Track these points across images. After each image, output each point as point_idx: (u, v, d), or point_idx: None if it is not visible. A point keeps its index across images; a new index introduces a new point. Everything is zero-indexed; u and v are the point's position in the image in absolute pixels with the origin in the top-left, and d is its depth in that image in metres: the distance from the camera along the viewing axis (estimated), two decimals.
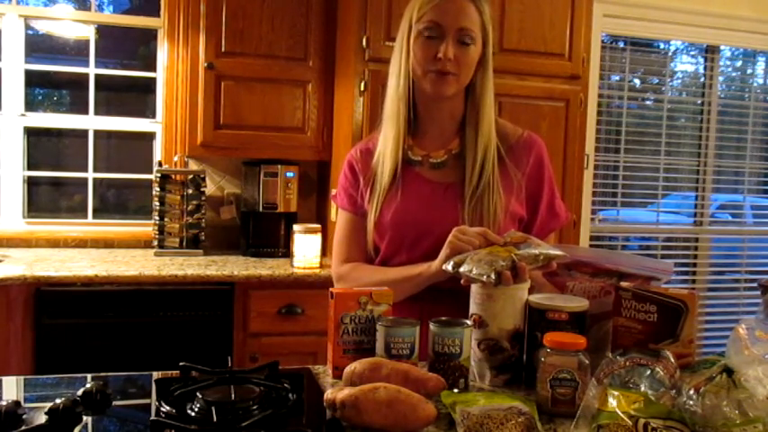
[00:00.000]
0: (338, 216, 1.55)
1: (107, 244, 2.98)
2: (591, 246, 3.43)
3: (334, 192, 1.68)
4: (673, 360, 1.01)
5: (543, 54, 2.74)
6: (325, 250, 2.73)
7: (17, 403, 0.91)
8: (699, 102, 3.81)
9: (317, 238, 2.66)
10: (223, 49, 2.76)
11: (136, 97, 3.21)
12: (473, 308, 1.18)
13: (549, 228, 1.45)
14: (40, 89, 3.16)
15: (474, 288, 1.18)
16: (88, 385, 1.03)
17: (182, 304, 2.45)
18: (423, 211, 1.38)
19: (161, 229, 2.84)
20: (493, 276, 1.12)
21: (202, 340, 2.45)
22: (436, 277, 1.29)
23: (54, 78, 3.13)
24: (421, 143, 1.44)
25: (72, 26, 3.05)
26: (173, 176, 2.89)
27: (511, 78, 2.69)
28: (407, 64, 1.38)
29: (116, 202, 3.20)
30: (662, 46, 3.76)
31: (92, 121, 3.08)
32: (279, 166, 2.88)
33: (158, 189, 2.83)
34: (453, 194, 1.39)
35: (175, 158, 3.02)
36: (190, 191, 2.86)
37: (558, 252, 1.20)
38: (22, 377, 1.41)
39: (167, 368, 1.21)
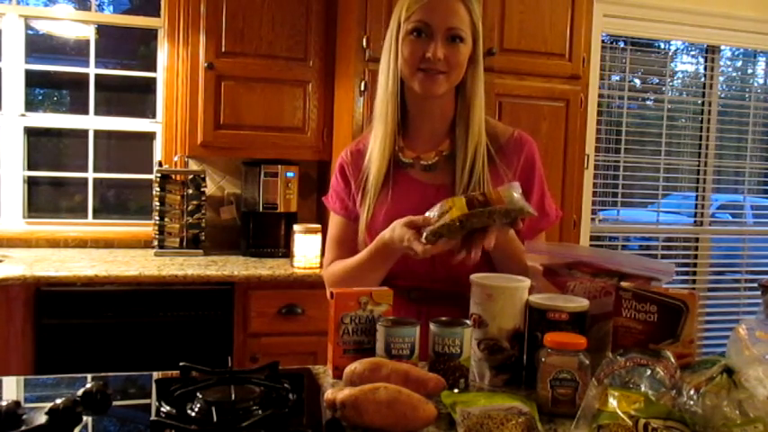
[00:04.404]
0: (330, 219, 1.54)
1: (107, 244, 2.98)
2: (591, 246, 3.42)
3: None
4: (673, 360, 1.00)
5: (543, 54, 2.74)
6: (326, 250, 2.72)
7: (17, 403, 0.91)
8: (699, 102, 3.81)
9: (317, 238, 2.66)
10: (223, 50, 2.76)
11: (136, 97, 3.21)
12: (473, 308, 1.18)
13: (538, 227, 1.44)
14: (40, 89, 3.16)
15: (474, 288, 1.18)
16: (88, 385, 1.03)
17: (182, 304, 2.45)
18: (414, 213, 1.36)
19: (161, 229, 2.84)
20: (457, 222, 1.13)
21: (202, 340, 2.45)
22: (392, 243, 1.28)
23: (54, 78, 3.13)
24: (411, 144, 1.43)
25: (72, 26, 3.05)
26: (173, 176, 2.89)
27: (511, 78, 2.69)
28: (396, 64, 1.37)
29: (116, 202, 3.20)
30: (662, 46, 3.76)
31: (92, 121, 3.08)
32: (279, 166, 2.88)
33: (158, 189, 2.83)
34: (444, 195, 1.37)
35: (175, 158, 3.02)
36: (190, 191, 2.86)
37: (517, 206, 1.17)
38: (22, 377, 1.41)
39: (167, 368, 1.21)
